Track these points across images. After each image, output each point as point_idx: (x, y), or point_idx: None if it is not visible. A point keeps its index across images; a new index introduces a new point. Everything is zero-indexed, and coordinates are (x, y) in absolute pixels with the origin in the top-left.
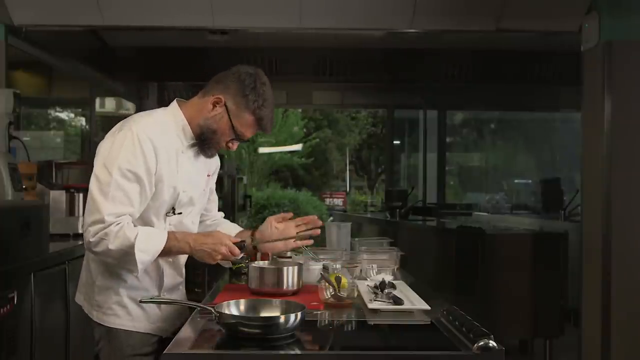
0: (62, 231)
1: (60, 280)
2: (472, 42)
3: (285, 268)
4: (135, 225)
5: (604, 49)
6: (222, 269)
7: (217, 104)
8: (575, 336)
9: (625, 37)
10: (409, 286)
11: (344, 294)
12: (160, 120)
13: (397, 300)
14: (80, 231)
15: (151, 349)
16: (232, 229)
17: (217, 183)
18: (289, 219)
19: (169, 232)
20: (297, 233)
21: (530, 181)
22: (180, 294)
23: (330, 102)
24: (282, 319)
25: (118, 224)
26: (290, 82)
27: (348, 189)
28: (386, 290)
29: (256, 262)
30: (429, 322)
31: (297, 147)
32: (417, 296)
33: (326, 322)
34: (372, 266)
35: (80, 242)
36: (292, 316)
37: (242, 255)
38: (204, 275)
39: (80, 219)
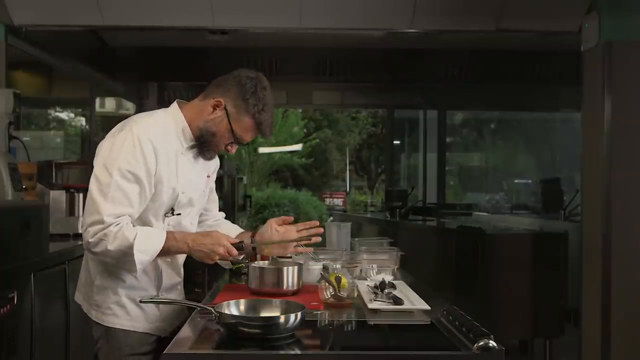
0: (62, 231)
1: (60, 280)
2: (472, 42)
3: (285, 268)
4: (134, 226)
5: (604, 49)
6: (222, 269)
7: (217, 107)
8: (575, 336)
9: (625, 37)
10: (409, 286)
11: (344, 294)
12: (161, 122)
13: (397, 300)
14: (80, 231)
15: (149, 349)
16: (232, 231)
17: (217, 183)
18: (290, 223)
19: (167, 232)
20: (297, 237)
21: (530, 181)
22: (178, 294)
23: (330, 102)
24: (282, 319)
25: (117, 224)
26: (290, 82)
27: (348, 189)
28: (386, 290)
29: (256, 262)
30: (429, 322)
31: (297, 147)
32: (417, 296)
33: (326, 322)
34: (372, 266)
35: (80, 242)
36: (292, 316)
37: (242, 256)
38: (203, 275)
39: (80, 219)
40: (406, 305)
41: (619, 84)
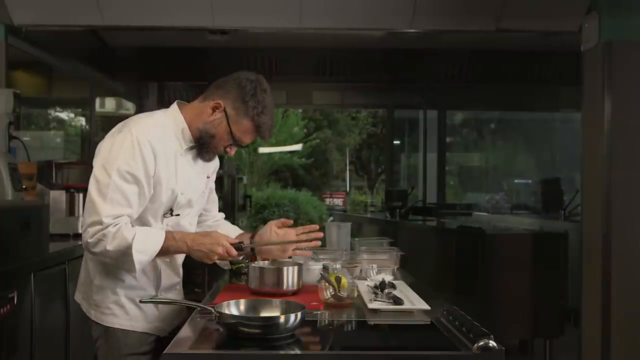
0: (62, 231)
1: (60, 280)
2: (471, 42)
3: (285, 268)
4: (133, 226)
5: (604, 49)
6: (222, 269)
7: (216, 109)
8: (575, 336)
9: (625, 37)
10: (409, 286)
11: (344, 294)
12: (160, 123)
13: (397, 300)
14: (80, 231)
15: (148, 348)
16: (231, 232)
17: (217, 183)
18: (289, 226)
19: (166, 232)
20: (297, 241)
21: (530, 181)
22: (177, 294)
23: (330, 102)
24: (282, 319)
25: (116, 225)
26: (290, 82)
27: (348, 189)
28: (386, 290)
29: (256, 262)
30: (429, 322)
31: (297, 147)
32: (417, 296)
33: (326, 322)
34: (372, 266)
35: (80, 242)
36: (292, 316)
37: (241, 256)
38: (203, 275)
39: (80, 219)
40: (406, 305)
41: (619, 84)
